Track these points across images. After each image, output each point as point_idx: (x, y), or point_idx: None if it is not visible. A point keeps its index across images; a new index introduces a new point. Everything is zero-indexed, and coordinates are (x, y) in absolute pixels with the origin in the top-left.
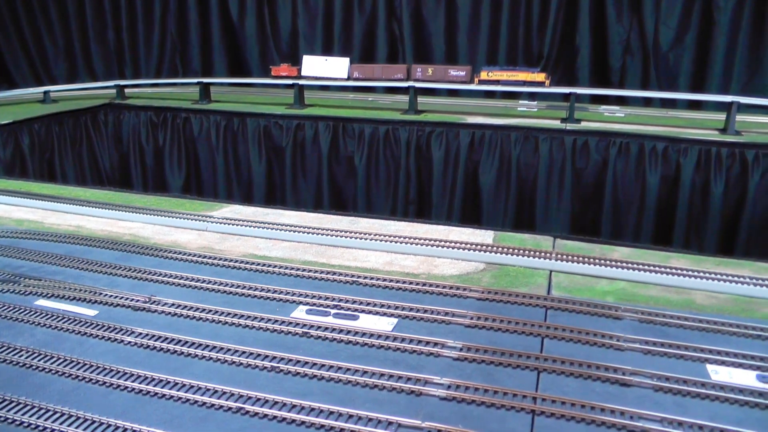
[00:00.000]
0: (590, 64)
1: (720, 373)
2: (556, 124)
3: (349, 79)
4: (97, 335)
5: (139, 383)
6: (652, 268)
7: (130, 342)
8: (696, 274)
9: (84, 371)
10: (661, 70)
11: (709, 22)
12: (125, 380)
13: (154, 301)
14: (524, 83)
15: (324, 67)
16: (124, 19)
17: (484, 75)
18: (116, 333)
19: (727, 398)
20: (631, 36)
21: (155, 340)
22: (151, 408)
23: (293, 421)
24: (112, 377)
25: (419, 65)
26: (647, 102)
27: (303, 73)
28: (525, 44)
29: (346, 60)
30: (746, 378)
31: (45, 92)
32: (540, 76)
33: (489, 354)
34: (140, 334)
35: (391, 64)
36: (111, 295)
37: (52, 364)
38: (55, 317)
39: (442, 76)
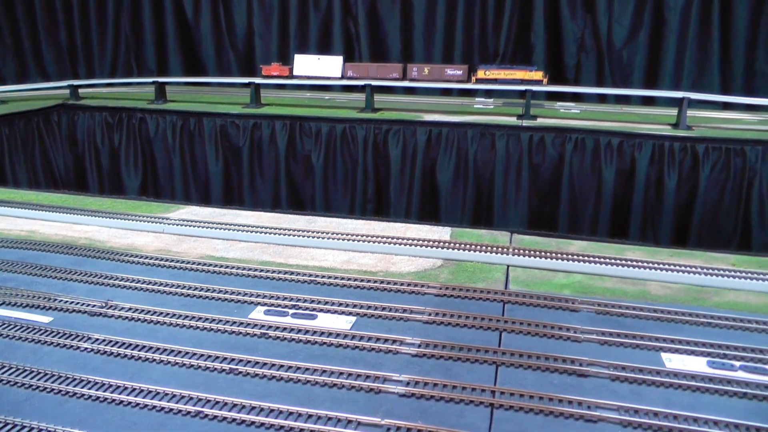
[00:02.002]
0: (545, 62)
1: (673, 361)
2: (512, 120)
3: (342, 78)
4: (52, 342)
5: (96, 390)
6: (608, 260)
7: (86, 348)
8: (650, 265)
9: (38, 380)
10: (615, 68)
11: (661, 21)
12: (81, 388)
13: (111, 306)
14: (522, 82)
15: (317, 66)
16: (77, 17)
17: (481, 74)
18: (72, 339)
19: (681, 385)
20: (585, 34)
21: (112, 346)
22: (108, 415)
23: (252, 423)
24: (67, 385)
25: (415, 64)
26: (602, 98)
27: (295, 73)
28: (481, 42)
29: (340, 59)
30: (698, 364)
31: None
32: (538, 75)
33: (447, 349)
34: (96, 340)
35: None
36: (66, 301)
37: (3, 373)
38: (7, 325)
39: (439, 75)
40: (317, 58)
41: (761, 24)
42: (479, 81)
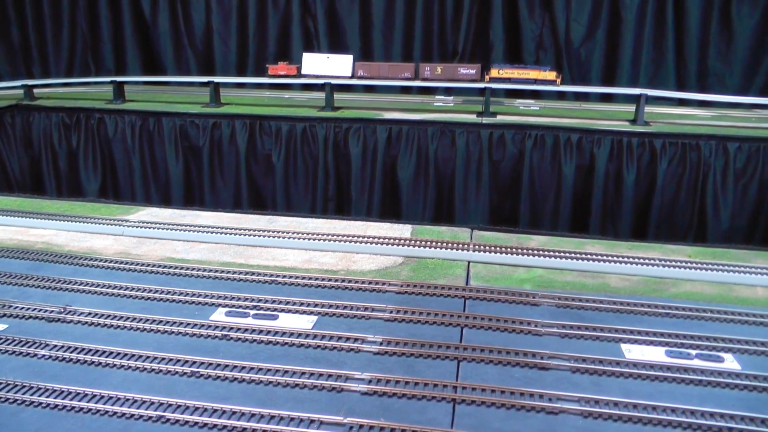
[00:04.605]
0: (504, 60)
1: (633, 351)
2: (472, 118)
3: (353, 77)
4: (6, 350)
5: (54, 398)
6: (567, 254)
7: (43, 355)
8: (610, 258)
9: None
10: (574, 65)
11: (617, 20)
12: (38, 396)
13: (69, 311)
14: (535, 81)
15: (326, 66)
16: (30, 14)
17: (494, 72)
18: (28, 347)
19: (640, 374)
20: (543, 32)
21: (70, 352)
22: (68, 423)
23: (215, 425)
24: (23, 394)
25: (427, 64)
26: (561, 95)
27: (303, 72)
28: (440, 40)
29: (350, 57)
30: (656, 354)
31: None
32: (551, 75)
33: (409, 346)
34: (54, 346)
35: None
36: (22, 307)
37: None
38: None
39: (452, 74)
40: (326, 57)
41: (712, 23)
42: (493, 80)
